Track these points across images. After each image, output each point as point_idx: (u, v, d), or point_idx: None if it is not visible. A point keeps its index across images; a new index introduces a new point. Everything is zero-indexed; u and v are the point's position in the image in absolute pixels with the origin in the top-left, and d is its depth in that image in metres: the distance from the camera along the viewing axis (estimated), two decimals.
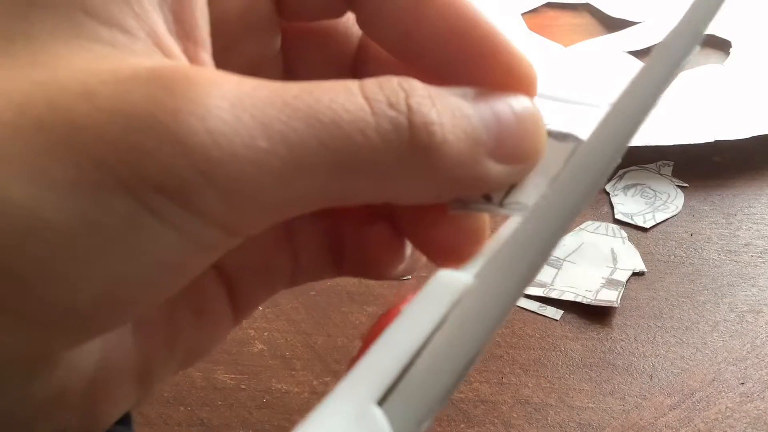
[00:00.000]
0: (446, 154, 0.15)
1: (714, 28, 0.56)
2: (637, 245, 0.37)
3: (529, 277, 0.14)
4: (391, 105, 0.14)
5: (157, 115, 0.13)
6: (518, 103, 0.17)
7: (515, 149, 0.16)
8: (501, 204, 0.17)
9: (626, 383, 0.30)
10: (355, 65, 0.19)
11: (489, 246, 0.17)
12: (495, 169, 0.16)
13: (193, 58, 0.15)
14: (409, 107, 0.15)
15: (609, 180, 0.42)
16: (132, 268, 0.13)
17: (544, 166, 0.17)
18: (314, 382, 0.31)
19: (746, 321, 0.33)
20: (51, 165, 0.12)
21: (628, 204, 0.40)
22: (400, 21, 0.17)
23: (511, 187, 0.17)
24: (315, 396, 0.30)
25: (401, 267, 0.20)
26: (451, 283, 0.15)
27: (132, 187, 0.13)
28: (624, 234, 0.38)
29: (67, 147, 0.13)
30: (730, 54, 0.53)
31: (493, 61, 0.17)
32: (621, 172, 0.42)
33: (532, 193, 0.17)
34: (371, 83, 0.15)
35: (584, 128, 0.48)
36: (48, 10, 0.14)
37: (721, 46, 0.54)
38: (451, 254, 0.17)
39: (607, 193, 0.41)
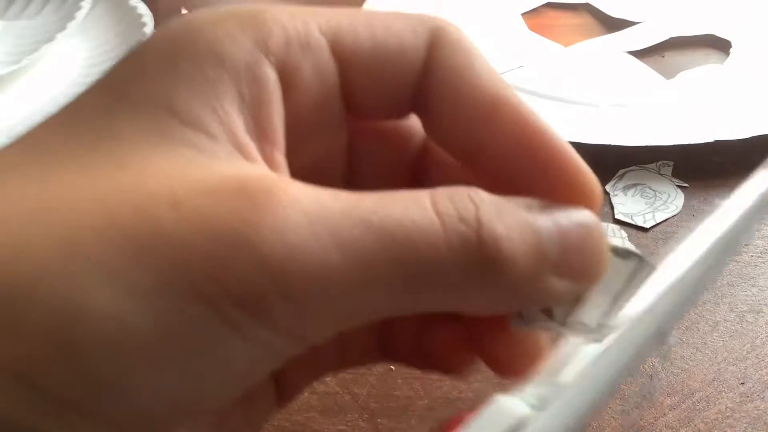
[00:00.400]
0: (513, 269, 0.15)
1: (714, 28, 0.56)
2: (637, 245, 0.37)
3: (589, 417, 0.15)
4: (461, 219, 0.15)
5: (240, 230, 0.13)
6: (582, 217, 0.17)
7: (578, 265, 0.16)
8: (563, 323, 0.17)
9: (626, 383, 0.30)
10: (417, 164, 0.20)
11: (549, 366, 0.17)
12: (558, 284, 0.16)
13: (269, 159, 0.16)
14: (479, 222, 0.15)
15: (608, 180, 0.42)
16: (206, 376, 0.14)
17: (606, 283, 0.17)
18: (314, 382, 0.31)
19: (746, 321, 0.33)
20: (136, 273, 0.13)
21: (628, 204, 0.40)
22: (468, 131, 0.17)
23: (573, 305, 0.17)
24: (315, 396, 0.30)
25: (469, 368, 0.20)
26: (507, 411, 0.15)
27: (211, 297, 0.13)
28: (624, 234, 0.38)
29: (152, 256, 0.13)
30: (730, 54, 0.53)
31: (559, 174, 0.17)
32: (621, 172, 0.42)
33: (594, 312, 0.17)
34: (442, 196, 0.15)
35: (584, 128, 0.48)
36: (135, 108, 0.15)
37: (721, 46, 0.54)
38: (510, 368, 0.18)
39: (607, 193, 0.41)
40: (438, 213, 0.15)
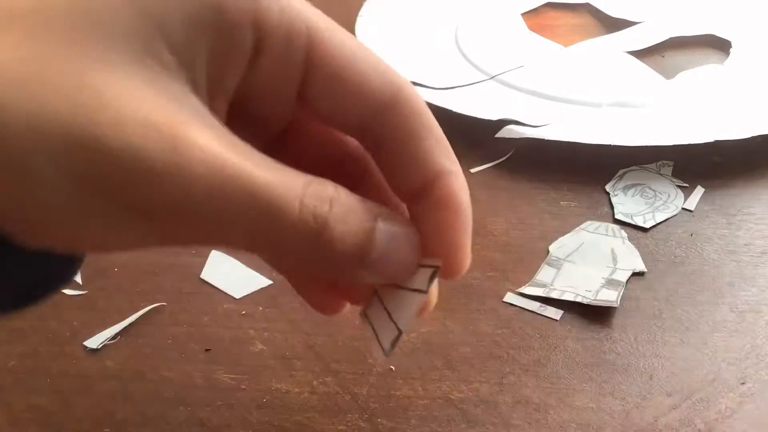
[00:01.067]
0: (336, 261, 0.19)
1: (714, 28, 0.56)
2: (637, 245, 0.37)
3: None
4: (314, 215, 0.18)
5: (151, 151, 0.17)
6: (408, 235, 0.21)
7: (388, 270, 0.20)
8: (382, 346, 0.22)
9: (626, 383, 0.30)
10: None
11: None
12: (367, 276, 0.20)
13: (213, 103, 0.19)
14: (325, 221, 0.19)
15: (608, 180, 0.42)
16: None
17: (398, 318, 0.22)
18: (314, 382, 0.31)
19: (746, 321, 0.33)
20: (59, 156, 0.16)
21: (628, 204, 0.40)
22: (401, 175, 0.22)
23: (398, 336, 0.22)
24: (315, 396, 0.30)
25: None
26: None
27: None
28: (624, 234, 0.38)
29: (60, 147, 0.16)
30: (730, 54, 0.53)
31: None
32: (621, 172, 0.42)
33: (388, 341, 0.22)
34: (312, 188, 0.18)
35: (584, 128, 0.48)
36: (135, 18, 0.17)
37: (721, 46, 0.54)
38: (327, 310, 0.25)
39: (608, 193, 0.41)
40: (303, 198, 0.18)
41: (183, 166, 0.16)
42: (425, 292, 0.21)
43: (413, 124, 0.21)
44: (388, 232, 0.20)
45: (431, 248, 0.21)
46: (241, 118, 0.20)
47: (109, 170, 0.16)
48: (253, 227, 0.18)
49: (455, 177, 0.21)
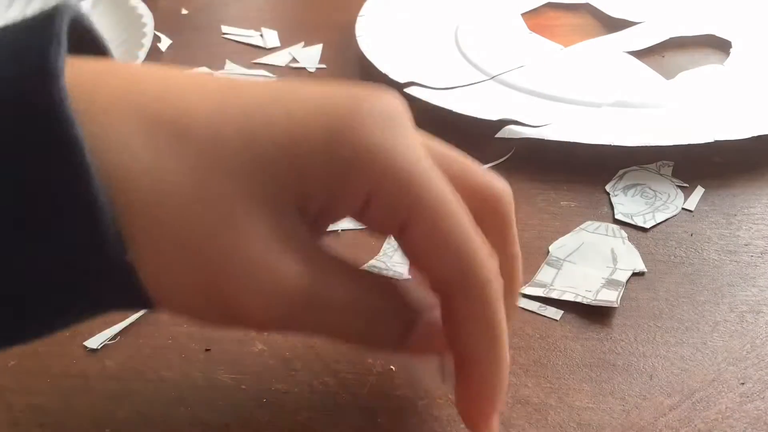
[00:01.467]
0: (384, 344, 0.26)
1: (714, 28, 0.56)
2: (637, 245, 0.37)
3: None
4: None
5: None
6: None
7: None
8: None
9: (626, 383, 0.30)
10: None
11: None
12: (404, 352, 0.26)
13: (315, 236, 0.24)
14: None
15: (608, 180, 0.42)
16: None
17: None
18: (314, 382, 0.31)
19: (746, 321, 0.33)
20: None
21: (628, 204, 0.40)
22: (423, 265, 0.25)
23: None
24: (315, 396, 0.30)
25: None
26: None
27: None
28: (624, 234, 0.38)
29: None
30: (730, 54, 0.53)
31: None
32: (621, 172, 0.42)
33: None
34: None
35: (584, 128, 0.48)
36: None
37: (721, 46, 0.54)
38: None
39: (607, 193, 0.41)
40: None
41: (270, 300, 0.22)
42: None
43: (468, 314, 0.24)
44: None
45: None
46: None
47: (226, 311, 0.22)
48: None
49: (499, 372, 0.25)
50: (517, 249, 0.27)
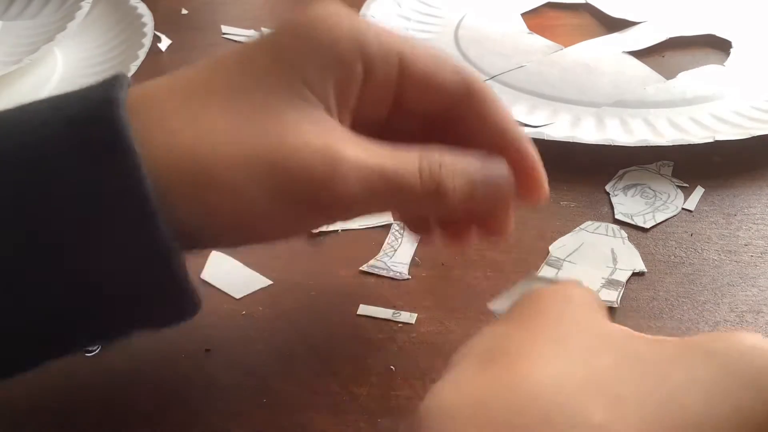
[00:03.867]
0: (450, 203, 0.27)
1: (714, 28, 0.56)
2: (637, 245, 0.37)
3: None
4: (430, 175, 0.26)
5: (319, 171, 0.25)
6: (502, 171, 0.28)
7: (490, 204, 0.29)
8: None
9: None
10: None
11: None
12: (473, 208, 0.28)
13: (342, 117, 0.27)
14: (439, 178, 0.26)
15: (608, 180, 0.42)
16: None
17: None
18: (314, 382, 0.31)
19: (746, 321, 0.33)
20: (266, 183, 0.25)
21: (628, 204, 0.40)
22: (484, 145, 0.29)
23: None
24: (315, 396, 0.30)
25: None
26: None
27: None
28: (624, 234, 0.38)
29: (275, 179, 0.25)
30: (730, 54, 0.53)
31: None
32: (621, 172, 0.42)
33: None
34: (423, 158, 0.26)
35: (584, 128, 0.48)
36: (278, 73, 0.26)
37: (721, 46, 0.54)
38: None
39: (607, 193, 0.41)
40: (420, 169, 0.26)
41: (340, 175, 0.25)
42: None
43: (486, 106, 0.29)
44: (486, 178, 0.27)
45: (520, 182, 0.29)
46: (361, 119, 0.27)
47: (292, 185, 0.25)
48: (392, 201, 0.28)
49: (526, 140, 0.29)
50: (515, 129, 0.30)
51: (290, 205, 0.25)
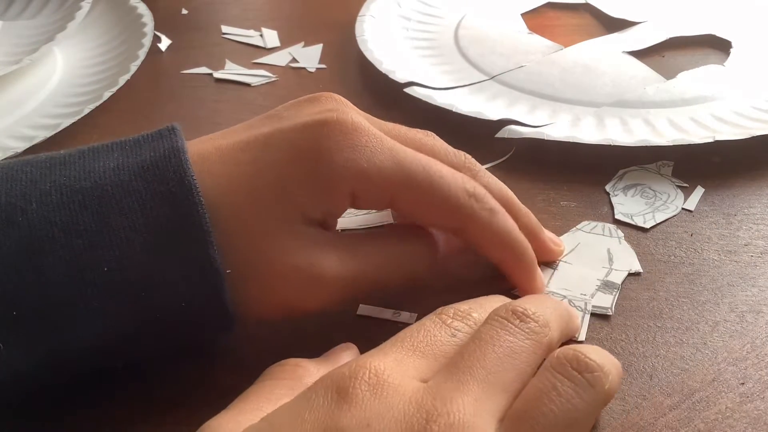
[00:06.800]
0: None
1: (714, 28, 0.56)
2: (637, 245, 0.37)
3: None
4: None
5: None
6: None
7: None
8: None
9: (626, 383, 0.30)
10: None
11: None
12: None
13: (330, 225, 0.31)
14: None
15: (608, 180, 0.42)
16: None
17: None
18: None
19: (746, 321, 0.33)
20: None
21: (628, 204, 0.40)
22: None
23: None
24: None
25: None
26: None
27: None
28: (620, 234, 0.38)
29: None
30: (730, 54, 0.53)
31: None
32: (621, 172, 0.42)
33: None
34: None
35: (584, 128, 0.47)
36: (282, 204, 0.29)
37: (721, 46, 0.54)
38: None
39: (607, 193, 0.41)
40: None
41: (322, 291, 0.30)
42: None
43: (484, 240, 0.33)
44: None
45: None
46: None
47: (282, 304, 0.30)
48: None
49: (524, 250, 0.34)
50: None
51: (276, 309, 0.30)
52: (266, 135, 0.30)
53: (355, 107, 0.32)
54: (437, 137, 0.34)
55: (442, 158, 0.32)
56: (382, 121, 0.33)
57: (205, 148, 0.30)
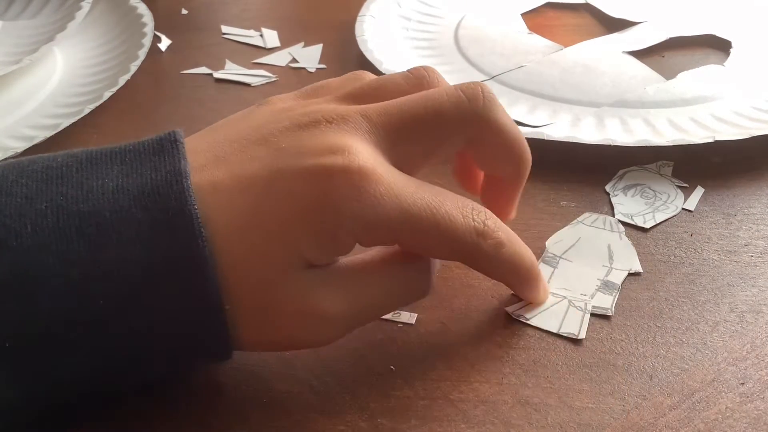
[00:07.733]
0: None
1: (714, 28, 0.56)
2: (637, 245, 0.37)
3: None
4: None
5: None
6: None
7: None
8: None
9: (626, 383, 0.30)
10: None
11: None
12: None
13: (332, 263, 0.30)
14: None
15: (608, 180, 0.42)
16: None
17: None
18: (314, 382, 0.31)
19: (746, 321, 0.33)
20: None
21: (628, 204, 0.40)
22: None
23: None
24: (315, 396, 0.30)
25: None
26: None
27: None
28: (621, 228, 0.38)
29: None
30: (730, 54, 0.53)
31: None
32: (621, 172, 0.42)
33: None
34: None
35: (584, 128, 0.48)
36: (282, 245, 0.28)
37: (721, 46, 0.54)
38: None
39: (607, 193, 0.41)
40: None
41: (327, 330, 0.29)
42: None
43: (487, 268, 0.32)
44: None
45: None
46: None
47: (285, 343, 0.30)
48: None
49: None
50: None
51: (278, 345, 0.30)
52: (266, 179, 0.28)
53: (363, 128, 0.30)
54: (432, 74, 0.34)
55: (444, 102, 0.33)
56: (388, 104, 0.31)
57: (200, 183, 0.28)
